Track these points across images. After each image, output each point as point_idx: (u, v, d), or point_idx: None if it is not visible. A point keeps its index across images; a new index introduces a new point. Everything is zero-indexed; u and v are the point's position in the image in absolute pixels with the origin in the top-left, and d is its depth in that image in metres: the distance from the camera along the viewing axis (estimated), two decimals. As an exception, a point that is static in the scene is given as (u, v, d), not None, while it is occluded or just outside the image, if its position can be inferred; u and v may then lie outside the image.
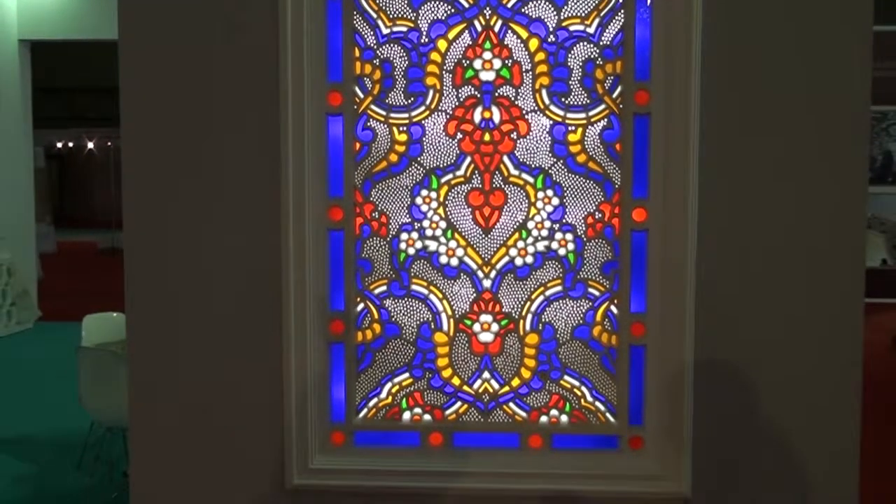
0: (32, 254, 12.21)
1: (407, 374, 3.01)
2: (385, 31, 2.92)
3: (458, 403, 3.00)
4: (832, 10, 2.76)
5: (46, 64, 12.36)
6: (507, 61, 2.90)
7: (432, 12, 2.91)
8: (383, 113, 2.94)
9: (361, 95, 2.94)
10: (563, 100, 2.90)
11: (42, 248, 14.37)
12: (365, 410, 3.02)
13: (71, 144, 27.77)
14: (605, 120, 2.90)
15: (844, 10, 2.76)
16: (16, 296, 11.18)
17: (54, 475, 6.07)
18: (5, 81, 11.26)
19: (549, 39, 2.89)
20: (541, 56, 2.90)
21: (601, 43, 2.88)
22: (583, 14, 2.88)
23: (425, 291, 2.98)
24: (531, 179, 2.93)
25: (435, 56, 2.91)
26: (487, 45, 2.90)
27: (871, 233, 12.11)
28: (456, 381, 3.00)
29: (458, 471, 2.96)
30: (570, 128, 2.91)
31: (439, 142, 2.94)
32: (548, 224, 2.94)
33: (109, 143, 24.51)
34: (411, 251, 2.98)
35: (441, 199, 2.95)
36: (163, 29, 2.91)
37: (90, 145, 26.55)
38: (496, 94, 2.91)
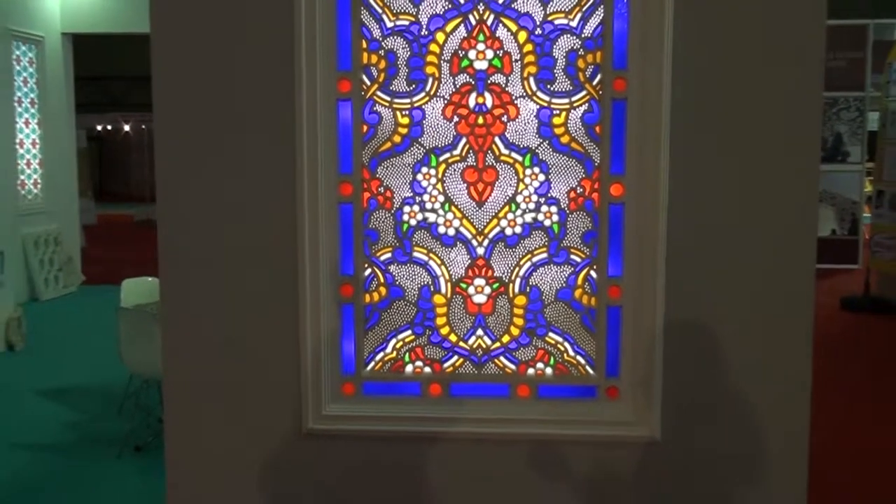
0: (76, 225, 12.21)
1: (409, 332, 3.02)
2: (389, 24, 2.90)
3: (455, 357, 3.01)
4: (790, 8, 2.75)
5: (86, 55, 12.27)
6: (498, 52, 2.89)
7: (432, 7, 2.89)
8: (388, 98, 2.93)
9: (368, 83, 2.92)
10: (548, 86, 2.89)
11: (84, 221, 14.35)
12: (372, 364, 3.03)
13: (109, 127, 27.70)
14: (587, 104, 2.89)
15: (801, 8, 2.75)
16: (62, 262, 11.18)
17: (98, 421, 6.09)
18: (51, 71, 11.21)
19: (536, 32, 2.88)
20: (529, 47, 2.88)
21: (583, 35, 2.87)
22: (566, 9, 2.86)
23: (425, 258, 2.98)
24: (520, 158, 2.92)
25: (434, 47, 2.90)
26: (481, 37, 2.89)
27: (823, 206, 12.12)
28: (453, 337, 3.00)
29: (454, 417, 2.97)
30: (554, 111, 2.90)
31: (438, 124, 2.93)
32: (535, 198, 2.94)
33: (143, 126, 24.46)
34: (413, 222, 2.97)
35: (439, 175, 2.95)
36: (190, 23, 2.89)
37: (126, 128, 26.50)
38: (489, 82, 2.90)
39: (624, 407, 2.95)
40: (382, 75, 2.92)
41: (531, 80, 2.89)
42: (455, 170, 2.95)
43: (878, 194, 10.55)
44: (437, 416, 2.98)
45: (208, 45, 2.89)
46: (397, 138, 2.94)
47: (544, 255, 2.96)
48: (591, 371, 2.99)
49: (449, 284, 2.99)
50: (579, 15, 2.86)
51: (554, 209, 2.94)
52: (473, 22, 2.88)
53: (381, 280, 3.00)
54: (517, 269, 2.97)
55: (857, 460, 5.31)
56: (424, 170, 2.95)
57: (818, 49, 2.77)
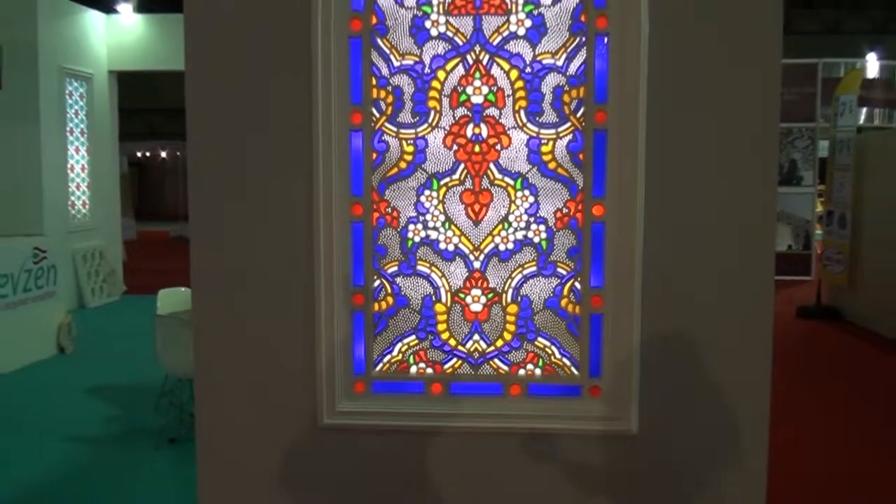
0: (118, 241, 12.22)
1: (413, 337, 3.00)
2: (396, 63, 2.90)
3: (454, 359, 2.99)
4: (750, 49, 2.75)
5: (129, 89, 12.31)
6: (492, 88, 2.88)
7: (433, 48, 2.88)
8: (395, 129, 2.92)
9: (377, 115, 2.92)
10: (537, 118, 2.88)
11: (125, 237, 14.34)
12: (380, 365, 3.01)
13: (148, 154, 27.78)
14: (571, 135, 2.88)
15: (759, 48, 2.74)
16: (106, 274, 11.18)
17: (137, 415, 6.08)
18: (98, 104, 11.24)
19: (526, 70, 2.87)
20: (520, 83, 2.87)
21: (568, 73, 2.86)
22: (553, 50, 2.86)
23: (428, 271, 2.97)
24: (512, 182, 2.91)
25: (435, 84, 2.89)
26: (477, 75, 2.88)
27: (780, 224, 12.14)
28: (452, 341, 2.99)
29: (453, 413, 2.95)
30: (542, 141, 2.89)
31: (439, 152, 2.92)
32: (525, 217, 2.92)
33: (178, 153, 24.49)
34: (417, 239, 2.96)
35: (440, 197, 2.93)
36: (220, 63, 2.89)
37: (163, 155, 26.56)
38: (484, 114, 2.89)
39: (605, 404, 2.93)
40: (390, 108, 2.91)
41: (522, 112, 2.88)
42: (454, 192, 2.93)
43: (828, 214, 10.55)
44: (438, 412, 2.96)
45: (236, 82, 2.89)
46: (403, 164, 2.93)
47: (534, 268, 2.95)
48: (575, 372, 2.97)
49: (449, 294, 2.98)
50: (564, 55, 2.86)
51: (542, 227, 2.93)
52: (471, 61, 2.88)
53: (389, 290, 2.99)
54: (509, 280, 2.96)
55: (811, 447, 5.30)
56: (427, 192, 2.94)
57: (774, 85, 2.77)
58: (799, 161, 12.80)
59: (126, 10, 11.64)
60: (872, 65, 13.48)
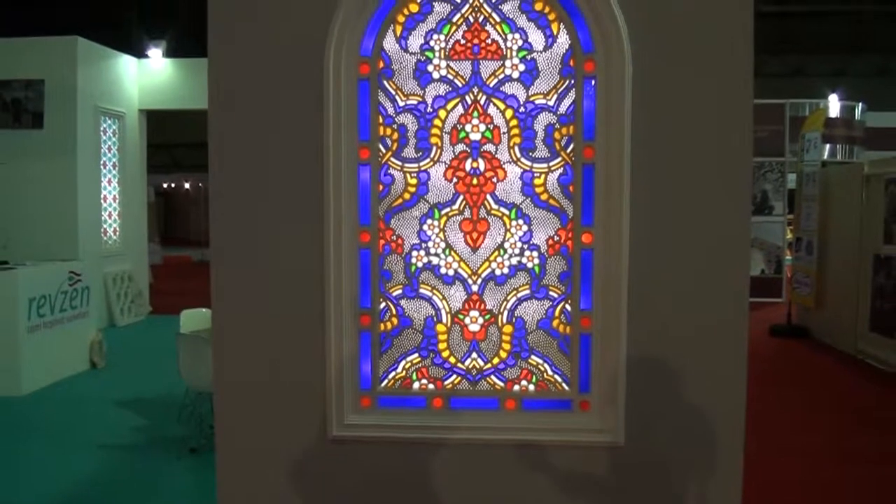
0: (145, 265, 12.18)
1: (416, 355, 2.97)
2: (401, 103, 2.89)
3: (454, 376, 2.96)
4: (725, 92, 2.75)
5: (156, 126, 12.35)
6: (489, 126, 2.87)
7: (435, 90, 2.88)
8: (399, 163, 2.91)
9: (383, 151, 2.91)
10: (530, 154, 2.87)
11: (152, 261, 14.32)
12: (385, 381, 2.98)
13: (173, 185, 27.82)
14: (562, 168, 2.87)
15: (733, 91, 2.75)
16: (133, 296, 11.15)
17: (160, 426, 6.03)
18: (129, 140, 11.27)
19: (521, 110, 2.86)
20: (514, 122, 2.87)
21: (558, 112, 2.86)
22: (545, 91, 2.85)
23: (430, 294, 2.95)
24: (507, 212, 2.90)
25: (437, 122, 2.89)
26: (475, 113, 2.87)
27: (754, 250, 12.13)
28: (452, 359, 2.96)
29: (453, 426, 2.92)
30: (535, 174, 2.88)
31: (440, 184, 2.91)
32: (519, 245, 2.91)
33: (201, 185, 24.55)
34: (420, 264, 2.94)
35: (441, 226, 2.92)
36: (239, 102, 2.88)
37: (187, 186, 26.61)
38: (482, 150, 2.88)
39: (594, 417, 2.90)
40: (395, 144, 2.91)
41: (516, 148, 2.88)
42: (454, 221, 2.92)
43: (797, 241, 10.54)
44: (438, 425, 2.92)
45: (254, 120, 2.88)
46: (407, 195, 2.92)
47: (527, 291, 2.92)
48: (566, 387, 2.93)
49: (449, 315, 2.95)
50: (555, 96, 2.85)
51: (535, 254, 2.91)
52: (469, 102, 2.87)
53: (393, 312, 2.96)
54: (505, 303, 2.93)
55: (784, 455, 5.26)
56: (429, 221, 2.92)
57: (747, 123, 2.77)
58: (770, 192, 12.81)
59: (156, 55, 11.70)
60: (834, 105, 13.51)
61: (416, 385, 2.98)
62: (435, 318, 2.95)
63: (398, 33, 2.88)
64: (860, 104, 13.80)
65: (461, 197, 2.90)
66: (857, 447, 5.57)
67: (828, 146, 12.86)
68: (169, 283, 15.83)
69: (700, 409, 2.84)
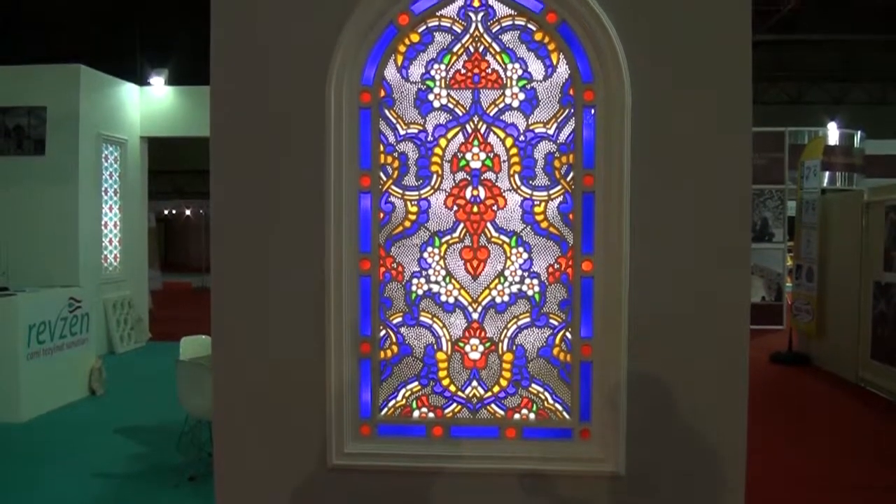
0: (145, 291, 12.16)
1: (416, 383, 2.96)
2: (402, 132, 2.91)
3: (454, 404, 2.95)
4: (724, 120, 2.77)
5: (158, 152, 12.38)
6: (490, 154, 2.89)
7: (436, 118, 2.90)
8: (400, 191, 2.92)
9: (384, 179, 2.92)
10: (530, 182, 2.89)
11: (152, 287, 14.29)
12: (385, 409, 2.97)
13: (174, 211, 27.87)
14: (562, 196, 2.88)
15: (732, 119, 2.77)
16: (133, 322, 11.12)
17: (159, 454, 5.98)
18: (131, 166, 11.31)
19: (521, 138, 2.88)
20: (514, 150, 2.89)
21: (558, 141, 2.88)
22: (544, 120, 2.88)
23: (430, 321, 2.94)
24: (507, 240, 2.90)
25: (438, 150, 2.90)
26: (476, 142, 2.89)
27: (754, 277, 12.13)
28: (452, 388, 2.95)
29: (453, 455, 2.90)
30: (535, 202, 2.89)
31: (441, 212, 2.92)
32: (520, 272, 2.91)
33: (201, 211, 24.58)
34: (420, 292, 2.94)
35: (442, 253, 2.92)
36: (241, 130, 2.90)
37: (187, 212, 26.66)
38: (482, 178, 2.90)
39: (595, 446, 2.88)
40: (396, 173, 2.92)
41: (516, 176, 2.89)
42: (454, 249, 2.92)
43: (797, 268, 10.54)
44: (439, 454, 2.91)
45: (255, 148, 2.90)
46: (407, 223, 2.93)
47: (528, 319, 2.92)
48: (567, 416, 2.92)
49: (449, 343, 2.95)
50: (555, 125, 2.87)
51: (535, 281, 2.91)
52: (470, 130, 2.89)
53: (394, 340, 2.96)
54: (505, 330, 2.93)
55: (785, 483, 5.23)
56: (429, 249, 2.93)
57: (746, 151, 2.78)
58: (770, 219, 12.83)
59: (158, 83, 11.78)
60: (833, 132, 13.59)
61: (416, 413, 2.96)
62: (435, 346, 2.95)
63: (399, 63, 2.91)
64: (859, 132, 13.88)
65: (461, 225, 2.91)
66: (859, 477, 5.54)
67: (827, 173, 12.92)
68: (169, 309, 15.80)
69: (701, 438, 2.83)
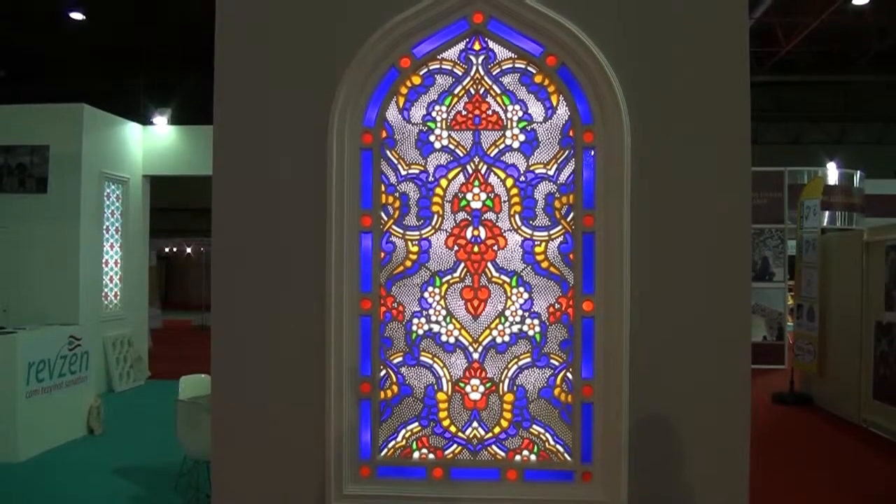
0: (145, 329, 12.12)
1: (416, 424, 2.94)
2: (403, 172, 2.93)
3: (454, 446, 2.93)
4: (724, 160, 2.79)
5: (159, 191, 12.43)
6: (490, 195, 2.91)
7: (437, 159, 2.93)
8: (401, 231, 2.93)
9: (385, 218, 2.94)
10: (531, 222, 2.90)
11: (152, 325, 14.23)
12: (385, 450, 2.95)
13: (175, 249, 27.89)
14: (562, 237, 2.90)
15: (731, 159, 2.79)
16: (133, 360, 11.07)
17: (157, 495, 5.92)
18: (133, 205, 11.35)
19: (521, 179, 2.90)
20: (515, 191, 2.90)
21: (558, 181, 2.90)
22: (545, 161, 2.90)
23: (430, 361, 2.94)
24: (508, 279, 2.91)
25: (438, 190, 2.92)
26: (476, 183, 2.91)
27: (755, 317, 12.10)
28: (453, 429, 2.93)
29: (454, 497, 2.87)
30: (536, 242, 2.90)
31: (441, 252, 2.92)
32: (520, 312, 2.91)
33: (202, 249, 24.59)
34: (420, 331, 2.94)
35: (442, 293, 2.93)
36: (242, 171, 2.93)
37: (188, 250, 26.68)
38: (482, 218, 2.91)
39: (597, 489, 2.85)
40: (397, 213, 2.93)
41: (517, 217, 2.90)
42: (455, 289, 2.93)
43: (798, 307, 10.52)
44: (439, 497, 2.88)
45: (257, 188, 2.92)
46: (408, 263, 2.94)
47: (528, 359, 2.91)
48: (568, 458, 2.90)
49: (450, 384, 2.93)
50: (555, 166, 2.89)
51: (536, 321, 2.91)
52: (470, 171, 2.91)
53: (394, 380, 2.95)
54: (506, 371, 2.92)
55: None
56: (430, 289, 2.93)
57: (746, 191, 2.80)
58: (770, 258, 12.84)
59: (161, 122, 11.89)
60: (833, 172, 13.66)
61: (416, 455, 2.94)
62: (435, 387, 2.94)
63: (401, 104, 2.94)
64: (858, 171, 13.95)
65: (462, 265, 2.92)
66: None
67: (827, 213, 12.96)
68: (169, 347, 15.74)
69: (704, 480, 2.80)
